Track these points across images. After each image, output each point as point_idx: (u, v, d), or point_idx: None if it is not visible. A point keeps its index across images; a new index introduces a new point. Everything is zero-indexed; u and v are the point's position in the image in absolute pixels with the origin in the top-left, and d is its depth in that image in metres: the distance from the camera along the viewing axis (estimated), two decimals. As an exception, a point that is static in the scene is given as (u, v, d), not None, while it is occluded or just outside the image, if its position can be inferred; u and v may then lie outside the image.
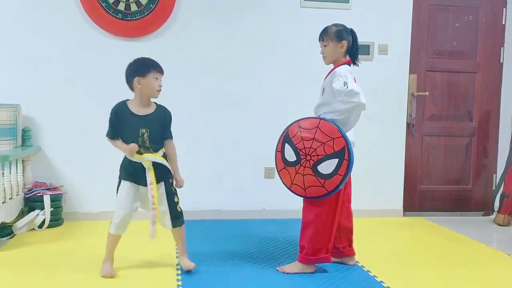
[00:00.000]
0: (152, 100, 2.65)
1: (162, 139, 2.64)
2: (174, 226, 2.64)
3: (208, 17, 3.90)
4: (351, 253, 2.88)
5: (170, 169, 2.65)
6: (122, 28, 3.78)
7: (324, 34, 2.74)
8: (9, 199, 3.28)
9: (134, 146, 2.52)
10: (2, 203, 3.14)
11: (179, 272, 2.65)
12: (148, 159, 2.53)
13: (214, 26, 3.91)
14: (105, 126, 3.79)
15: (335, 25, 2.76)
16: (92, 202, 3.84)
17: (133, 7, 3.77)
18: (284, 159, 2.65)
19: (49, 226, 3.53)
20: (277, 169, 2.71)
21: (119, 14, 3.76)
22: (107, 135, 2.63)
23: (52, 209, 3.54)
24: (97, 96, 3.80)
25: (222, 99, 3.94)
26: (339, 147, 2.53)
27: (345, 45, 2.71)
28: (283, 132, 2.69)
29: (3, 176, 3.17)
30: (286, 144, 2.65)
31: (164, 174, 2.62)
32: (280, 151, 2.67)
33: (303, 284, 2.55)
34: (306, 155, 2.57)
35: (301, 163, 2.59)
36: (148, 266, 2.73)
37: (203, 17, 3.89)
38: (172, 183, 2.67)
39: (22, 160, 3.60)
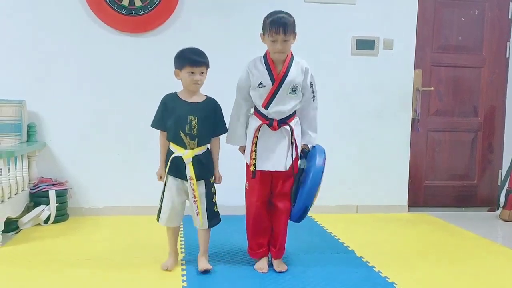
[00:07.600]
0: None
1: (211, 132, 2.63)
2: (209, 226, 2.65)
3: (212, 12, 3.89)
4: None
5: (211, 168, 2.65)
6: (126, 23, 3.78)
7: (288, 27, 2.46)
8: (15, 194, 3.29)
9: (161, 172, 2.61)
10: (8, 198, 3.16)
11: (184, 272, 2.63)
12: (187, 153, 2.52)
13: (218, 21, 3.90)
14: (109, 121, 3.84)
15: (288, 14, 2.51)
16: (97, 198, 3.85)
17: (137, 3, 3.77)
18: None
19: (55, 222, 3.54)
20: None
21: (123, 10, 3.76)
22: (151, 125, 2.63)
23: (57, 204, 3.55)
24: (101, 92, 3.81)
25: (225, 95, 3.91)
26: None
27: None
28: None
29: (8, 172, 3.18)
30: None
31: (205, 172, 2.61)
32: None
33: (308, 280, 2.54)
34: None
35: None
36: (153, 264, 2.73)
37: (207, 12, 3.88)
38: (212, 184, 2.66)
39: (28, 156, 3.61)
